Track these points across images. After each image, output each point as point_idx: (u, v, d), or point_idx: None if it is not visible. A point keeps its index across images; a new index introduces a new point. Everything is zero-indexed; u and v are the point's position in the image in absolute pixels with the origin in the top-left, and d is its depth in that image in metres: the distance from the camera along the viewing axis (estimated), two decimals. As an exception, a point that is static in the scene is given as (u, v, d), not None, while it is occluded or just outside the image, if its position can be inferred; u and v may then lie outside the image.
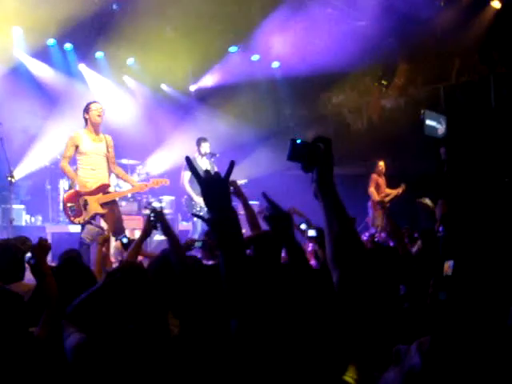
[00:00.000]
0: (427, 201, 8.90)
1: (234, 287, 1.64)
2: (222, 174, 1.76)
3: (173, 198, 10.10)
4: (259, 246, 3.11)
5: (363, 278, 1.66)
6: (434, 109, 11.18)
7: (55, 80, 11.34)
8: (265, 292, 1.73)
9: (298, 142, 1.76)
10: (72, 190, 6.60)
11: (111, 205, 6.51)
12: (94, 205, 6.42)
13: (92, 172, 6.56)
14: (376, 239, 5.93)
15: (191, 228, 8.94)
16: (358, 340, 1.64)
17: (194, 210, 8.24)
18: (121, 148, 11.14)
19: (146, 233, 3.95)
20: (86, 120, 6.67)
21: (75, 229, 9.77)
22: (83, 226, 6.38)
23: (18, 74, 10.81)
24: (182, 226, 9.97)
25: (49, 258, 9.14)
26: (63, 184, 10.54)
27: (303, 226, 4.27)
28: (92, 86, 11.82)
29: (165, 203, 3.72)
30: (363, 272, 1.67)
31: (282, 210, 2.34)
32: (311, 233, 4.13)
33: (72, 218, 6.44)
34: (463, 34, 10.46)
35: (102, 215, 6.51)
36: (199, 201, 8.23)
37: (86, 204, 6.39)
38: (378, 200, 9.53)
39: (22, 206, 10.07)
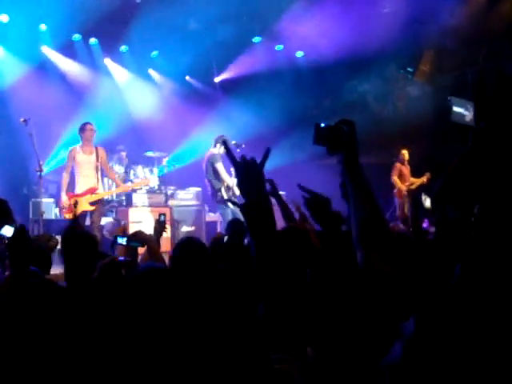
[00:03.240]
0: (426, 201, 8.73)
1: (264, 272, 1.65)
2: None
3: (199, 189, 10.15)
4: (292, 238, 3.12)
5: (386, 261, 1.65)
6: (461, 95, 11.02)
7: (81, 75, 11.47)
8: (295, 277, 1.73)
9: (322, 125, 1.75)
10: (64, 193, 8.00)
11: (98, 203, 7.99)
12: (84, 204, 7.88)
13: (84, 178, 7.99)
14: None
15: (219, 219, 9.00)
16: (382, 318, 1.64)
17: (226, 197, 8.30)
18: (147, 141, 11.28)
19: (158, 233, 4.09)
20: (81, 137, 8.05)
21: (105, 221, 9.97)
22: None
23: (45, 69, 10.97)
24: (209, 217, 10.02)
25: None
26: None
27: None
28: (117, 80, 11.92)
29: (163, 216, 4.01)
30: (386, 255, 1.66)
31: (321, 195, 2.34)
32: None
33: (64, 211, 7.98)
34: (490, 18, 10.27)
35: (91, 212, 7.90)
36: (237, 191, 8.33)
37: (76, 203, 7.80)
38: (401, 189, 9.43)
39: (51, 200, 10.22)
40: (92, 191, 8.00)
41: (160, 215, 4.22)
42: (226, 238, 4.62)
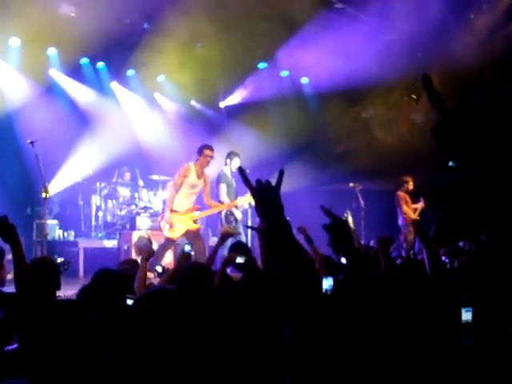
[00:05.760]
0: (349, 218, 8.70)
1: (289, 294, 1.64)
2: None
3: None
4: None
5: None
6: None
7: (88, 98, 11.59)
8: (321, 301, 1.73)
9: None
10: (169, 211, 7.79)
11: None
12: (188, 221, 7.71)
13: (184, 199, 7.83)
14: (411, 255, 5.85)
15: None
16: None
17: (232, 225, 8.28)
18: (152, 164, 11.34)
19: (179, 265, 4.11)
20: (197, 158, 7.91)
21: (108, 244, 9.96)
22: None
23: (53, 92, 11.09)
24: (213, 241, 10.01)
25: (80, 273, 9.27)
26: (95, 200, 10.73)
27: None
28: (123, 104, 12.03)
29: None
30: None
31: (339, 218, 2.34)
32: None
33: (167, 229, 7.71)
34: (494, 46, 10.35)
35: (193, 235, 7.67)
36: (237, 213, 8.39)
37: (171, 226, 7.68)
38: (413, 220, 9.37)
39: (56, 221, 10.25)
40: (194, 210, 7.91)
41: (186, 245, 4.27)
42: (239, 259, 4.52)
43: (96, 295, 3.20)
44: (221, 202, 8.35)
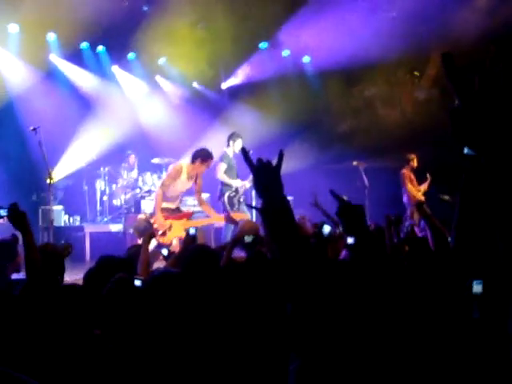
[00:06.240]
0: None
1: (287, 271, 1.66)
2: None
3: (207, 195, 10.17)
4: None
5: None
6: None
7: (89, 82, 11.55)
8: (320, 279, 1.74)
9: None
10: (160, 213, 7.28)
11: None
12: (178, 229, 7.13)
13: (171, 199, 7.40)
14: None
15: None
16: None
17: (235, 208, 8.27)
18: (154, 147, 11.33)
19: (185, 248, 4.08)
20: (195, 161, 7.32)
21: (114, 228, 10.00)
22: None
23: (54, 77, 11.06)
24: (218, 223, 10.02)
25: (87, 257, 9.31)
26: (100, 185, 10.75)
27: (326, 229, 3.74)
28: (125, 87, 11.99)
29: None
30: None
31: (352, 203, 2.31)
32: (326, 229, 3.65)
33: (158, 234, 6.99)
34: (496, 21, 10.24)
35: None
36: (236, 183, 8.35)
37: (170, 227, 7.14)
38: (416, 201, 9.36)
39: (61, 207, 10.29)
40: (188, 216, 7.47)
41: (190, 228, 4.15)
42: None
43: (100, 281, 3.23)
44: (221, 187, 8.34)
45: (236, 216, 7.57)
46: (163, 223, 7.07)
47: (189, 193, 10.38)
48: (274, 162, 1.81)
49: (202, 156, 7.33)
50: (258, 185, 1.77)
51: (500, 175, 1.08)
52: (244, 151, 1.89)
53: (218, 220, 7.97)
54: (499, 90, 1.12)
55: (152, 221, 7.39)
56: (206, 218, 8.03)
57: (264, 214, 1.73)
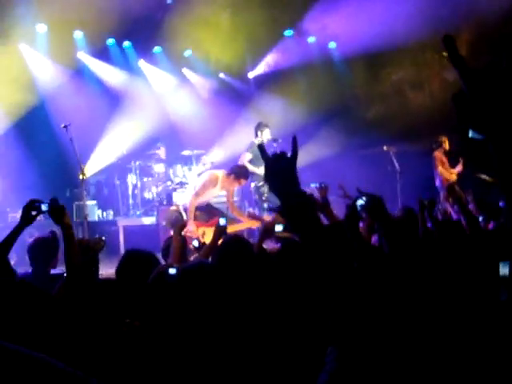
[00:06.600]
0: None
1: (316, 264, 1.62)
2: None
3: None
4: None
5: None
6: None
7: (117, 78, 11.66)
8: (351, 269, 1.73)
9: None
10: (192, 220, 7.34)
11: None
12: (210, 235, 7.01)
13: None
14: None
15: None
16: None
17: (264, 196, 8.27)
18: (184, 139, 11.39)
19: (216, 240, 4.11)
20: (231, 174, 7.34)
21: (147, 221, 10.11)
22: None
23: (82, 75, 11.21)
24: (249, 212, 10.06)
25: (121, 251, 9.43)
26: (131, 179, 10.87)
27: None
28: (152, 81, 12.07)
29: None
30: None
31: (373, 194, 2.30)
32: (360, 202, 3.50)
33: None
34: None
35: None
36: (260, 171, 8.31)
37: (203, 234, 7.11)
38: (448, 185, 9.22)
39: (94, 202, 10.44)
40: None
41: (220, 219, 4.18)
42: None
43: (130, 275, 3.28)
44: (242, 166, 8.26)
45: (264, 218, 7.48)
46: (195, 231, 7.08)
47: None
48: (289, 153, 1.69)
49: (238, 174, 7.35)
50: (271, 181, 1.67)
51: (506, 157, 1.06)
52: (260, 146, 1.76)
53: (251, 225, 7.85)
54: (504, 75, 1.09)
55: (185, 231, 7.36)
56: (239, 224, 7.86)
57: (283, 214, 1.67)
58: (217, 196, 7.75)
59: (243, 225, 7.81)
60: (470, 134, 1.19)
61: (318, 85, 11.89)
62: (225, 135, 11.60)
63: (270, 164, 1.67)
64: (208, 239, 7.02)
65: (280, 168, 1.64)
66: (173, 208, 9.03)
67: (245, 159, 8.47)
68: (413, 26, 10.21)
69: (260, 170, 8.39)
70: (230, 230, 7.32)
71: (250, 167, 8.36)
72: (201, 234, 7.08)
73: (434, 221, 4.12)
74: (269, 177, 1.69)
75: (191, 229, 7.08)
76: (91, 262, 3.86)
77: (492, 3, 9.98)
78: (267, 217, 7.58)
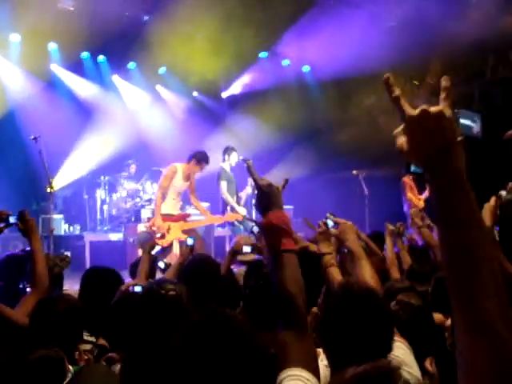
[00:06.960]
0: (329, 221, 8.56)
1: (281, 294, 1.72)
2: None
3: (207, 204, 10.16)
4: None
5: None
6: (468, 107, 11.01)
7: (90, 92, 11.59)
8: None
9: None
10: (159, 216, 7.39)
11: (188, 232, 7.13)
12: (176, 231, 7.29)
13: (172, 202, 7.51)
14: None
15: (229, 234, 9.02)
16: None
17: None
18: (155, 156, 11.34)
19: (183, 260, 4.02)
20: (191, 161, 7.50)
21: (114, 237, 10.00)
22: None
23: (55, 87, 11.11)
24: (217, 231, 10.00)
25: (87, 266, 9.31)
26: (100, 194, 10.76)
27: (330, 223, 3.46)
28: (125, 97, 12.02)
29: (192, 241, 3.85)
30: None
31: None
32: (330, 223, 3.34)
33: (157, 237, 6.95)
34: (496, 30, 10.28)
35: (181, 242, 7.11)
36: (241, 210, 8.22)
37: (169, 229, 7.23)
38: (412, 213, 9.31)
39: (61, 216, 10.30)
40: (185, 217, 7.60)
41: (188, 239, 4.14)
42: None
43: (90, 293, 3.26)
44: (222, 200, 8.32)
45: (231, 216, 7.83)
46: (162, 225, 7.17)
47: (188, 201, 10.44)
48: (279, 184, 1.86)
49: (199, 157, 7.48)
50: (260, 204, 1.81)
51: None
52: (248, 167, 1.93)
53: (214, 221, 8.17)
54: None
55: (151, 223, 7.49)
56: (203, 220, 8.12)
57: (262, 228, 1.78)
58: (182, 191, 7.72)
59: (206, 220, 8.04)
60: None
61: (290, 107, 12.00)
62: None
63: (264, 191, 1.80)
64: (173, 235, 7.24)
65: (271, 196, 1.79)
66: (142, 228, 8.95)
67: (224, 190, 8.33)
68: (386, 53, 10.40)
69: (241, 210, 8.24)
70: (195, 225, 7.61)
71: (230, 201, 8.24)
72: (166, 229, 7.17)
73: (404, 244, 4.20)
74: (261, 199, 1.81)
75: (158, 223, 7.20)
76: (57, 278, 3.80)
77: (463, 32, 10.24)
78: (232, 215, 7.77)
